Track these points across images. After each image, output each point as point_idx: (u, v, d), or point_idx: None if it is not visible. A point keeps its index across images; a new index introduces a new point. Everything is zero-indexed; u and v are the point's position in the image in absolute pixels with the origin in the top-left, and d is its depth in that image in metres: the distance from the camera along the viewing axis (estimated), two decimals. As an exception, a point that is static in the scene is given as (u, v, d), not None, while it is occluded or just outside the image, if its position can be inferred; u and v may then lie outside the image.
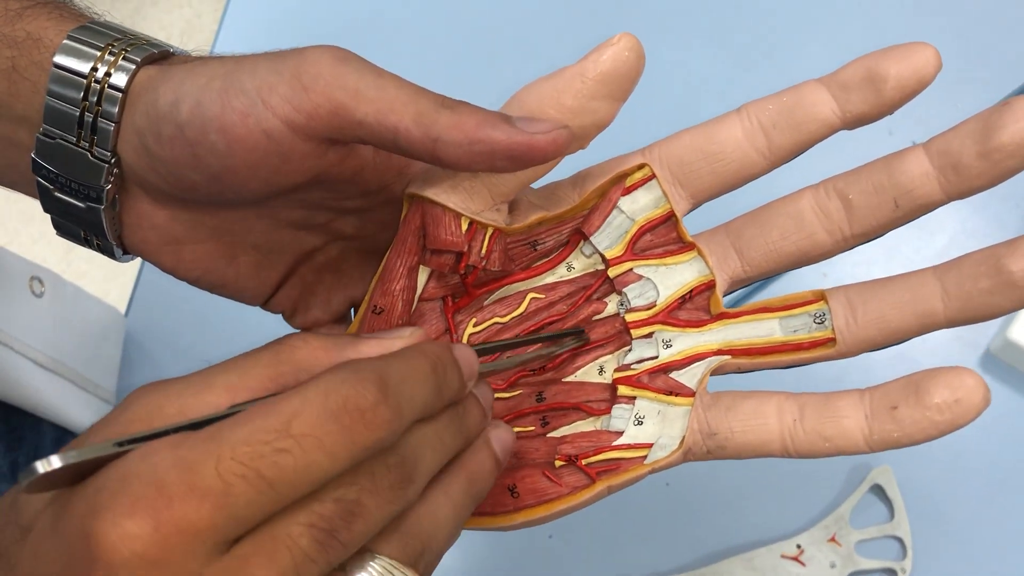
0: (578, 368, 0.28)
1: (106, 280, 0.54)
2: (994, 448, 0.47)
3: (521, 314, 0.28)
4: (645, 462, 0.26)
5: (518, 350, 0.28)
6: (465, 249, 0.26)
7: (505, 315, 0.28)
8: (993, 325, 0.49)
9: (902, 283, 0.26)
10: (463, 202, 0.26)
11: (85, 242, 0.27)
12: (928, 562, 0.45)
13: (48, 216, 0.27)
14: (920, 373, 0.25)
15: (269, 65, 0.24)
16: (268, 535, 0.19)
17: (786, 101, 0.26)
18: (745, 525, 0.46)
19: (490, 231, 0.26)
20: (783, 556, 0.44)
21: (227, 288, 0.28)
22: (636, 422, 0.27)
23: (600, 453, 0.27)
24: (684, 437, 0.26)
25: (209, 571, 0.18)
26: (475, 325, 0.28)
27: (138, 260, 0.30)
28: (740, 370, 0.27)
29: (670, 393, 0.27)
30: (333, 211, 0.28)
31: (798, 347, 0.26)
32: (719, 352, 0.27)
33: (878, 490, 0.46)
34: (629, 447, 0.27)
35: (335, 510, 0.20)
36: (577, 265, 0.28)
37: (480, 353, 0.26)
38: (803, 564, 0.44)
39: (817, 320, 0.27)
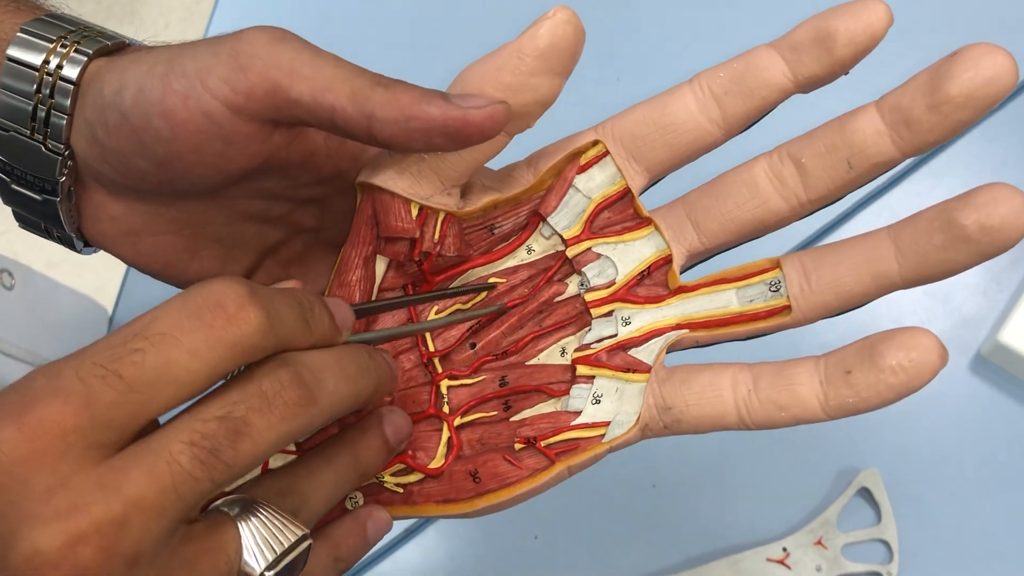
0: (541, 351, 0.28)
1: (107, 269, 0.53)
2: (983, 452, 0.46)
3: (482, 299, 0.28)
4: (603, 441, 0.26)
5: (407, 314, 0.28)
6: (417, 235, 0.26)
7: (467, 301, 0.28)
8: (984, 328, 0.48)
9: (856, 245, 0.25)
10: (411, 187, 0.25)
11: (46, 233, 0.27)
12: (914, 566, 0.44)
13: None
14: (875, 335, 0.25)
15: (208, 48, 0.23)
16: (147, 449, 0.19)
17: (737, 67, 0.26)
18: (731, 528, 0.45)
19: (442, 216, 0.26)
20: (769, 559, 0.44)
21: (192, 283, 0.28)
22: (594, 400, 0.27)
23: (558, 434, 0.26)
24: (640, 414, 0.26)
25: (81, 476, 0.18)
26: (436, 313, 0.28)
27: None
28: (699, 344, 0.27)
29: (627, 370, 0.27)
30: (291, 201, 0.28)
31: (755, 317, 0.26)
32: (678, 327, 0.27)
33: (865, 493, 0.45)
34: (587, 426, 0.26)
35: (218, 428, 0.19)
36: (537, 247, 0.28)
37: (364, 312, 0.26)
38: (789, 567, 0.44)
39: (772, 288, 0.26)
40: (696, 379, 0.26)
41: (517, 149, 0.28)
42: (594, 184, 0.27)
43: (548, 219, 0.27)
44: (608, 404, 0.27)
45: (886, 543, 0.44)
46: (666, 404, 0.26)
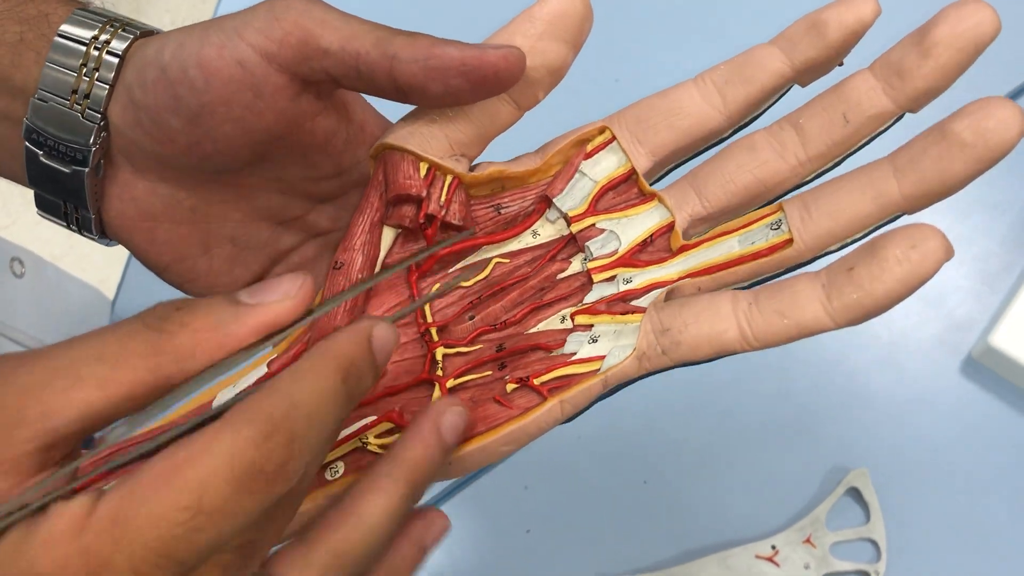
0: (541, 320, 0.28)
1: (108, 265, 0.54)
2: (972, 453, 0.47)
3: (485, 278, 0.28)
4: (599, 372, 0.26)
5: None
6: (424, 195, 0.26)
7: (469, 280, 0.28)
8: (975, 331, 0.49)
9: (855, 172, 0.26)
10: (421, 146, 0.26)
11: (65, 217, 0.28)
12: (902, 565, 0.45)
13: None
14: (877, 235, 0.24)
15: (248, 9, 0.25)
16: None
17: (736, 61, 0.27)
18: (721, 524, 0.46)
19: (449, 179, 0.26)
20: (757, 556, 0.44)
21: (198, 282, 0.28)
22: (591, 340, 0.26)
23: (552, 371, 0.26)
24: (637, 341, 0.25)
25: None
26: (439, 291, 0.28)
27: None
28: (700, 289, 0.27)
29: (626, 313, 0.26)
30: (308, 199, 0.29)
31: (756, 255, 0.26)
32: (679, 280, 0.27)
33: (854, 493, 0.46)
34: (582, 361, 0.26)
35: (234, 558, 0.19)
36: (543, 232, 0.28)
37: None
38: (777, 565, 0.44)
39: (774, 227, 0.26)
40: (696, 301, 0.26)
41: (525, 145, 0.28)
42: (600, 168, 0.28)
43: (554, 200, 0.28)
44: (605, 342, 0.26)
45: (874, 542, 0.45)
46: (664, 326, 0.25)
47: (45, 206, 0.28)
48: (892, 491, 0.46)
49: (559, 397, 0.25)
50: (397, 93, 0.25)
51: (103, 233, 0.28)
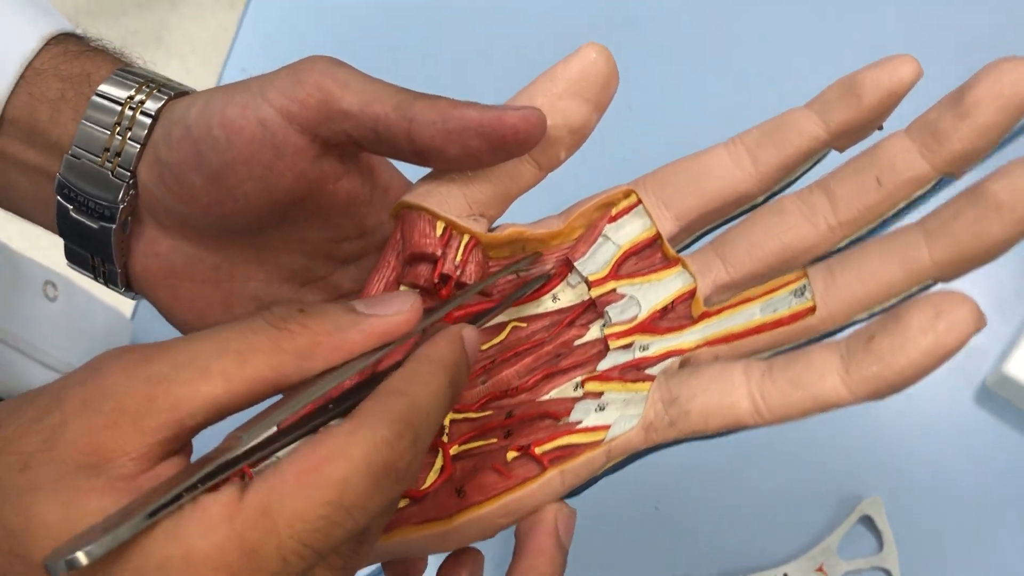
0: (554, 387, 0.27)
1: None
2: (986, 482, 0.46)
3: (500, 342, 0.28)
4: (603, 443, 0.24)
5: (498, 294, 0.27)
6: (439, 254, 0.26)
7: (484, 343, 0.28)
8: (989, 359, 0.49)
9: (883, 238, 0.24)
10: (438, 205, 0.26)
11: (92, 270, 0.29)
12: (915, 595, 0.44)
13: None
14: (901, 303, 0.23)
15: (273, 72, 0.25)
16: None
17: (770, 123, 0.26)
18: (732, 553, 0.46)
19: (466, 239, 0.26)
20: (770, 583, 0.44)
21: None
22: (598, 408, 0.25)
23: (555, 439, 0.25)
24: (644, 411, 0.24)
25: None
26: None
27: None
28: (718, 358, 0.26)
29: (637, 381, 0.25)
30: (332, 261, 0.29)
31: (778, 323, 0.25)
32: (697, 348, 0.26)
33: (867, 521, 0.46)
34: (586, 430, 0.25)
35: (349, 548, 0.20)
36: (563, 297, 0.28)
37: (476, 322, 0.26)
38: (789, 592, 0.44)
39: (797, 294, 0.25)
40: (707, 369, 0.24)
41: (550, 205, 0.28)
42: (624, 232, 0.27)
43: (576, 263, 0.27)
44: (612, 411, 0.25)
45: (887, 572, 0.45)
46: (672, 396, 0.24)
47: (74, 258, 0.29)
48: (905, 520, 0.45)
49: (559, 468, 0.24)
50: (417, 156, 0.25)
51: (128, 287, 0.29)
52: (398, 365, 0.22)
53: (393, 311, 0.22)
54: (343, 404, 0.22)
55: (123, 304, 0.51)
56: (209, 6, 1.27)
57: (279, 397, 0.21)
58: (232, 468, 0.20)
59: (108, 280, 0.29)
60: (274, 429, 0.21)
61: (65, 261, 0.29)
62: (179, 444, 0.20)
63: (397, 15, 0.59)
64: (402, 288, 0.27)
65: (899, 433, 0.48)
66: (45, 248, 0.56)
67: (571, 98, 0.25)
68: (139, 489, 0.19)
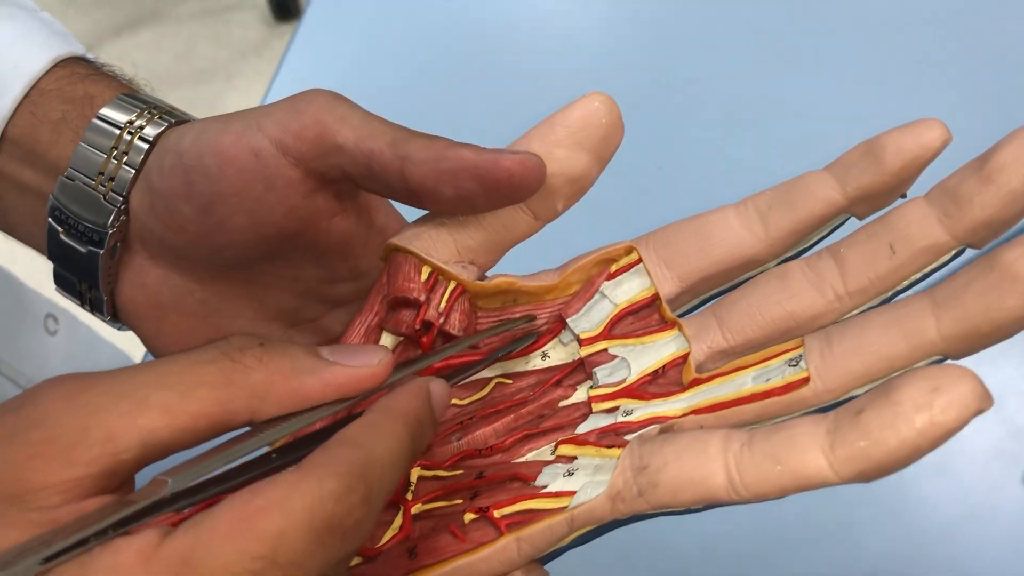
0: (532, 449, 0.25)
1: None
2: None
3: (483, 397, 0.26)
4: (566, 510, 0.22)
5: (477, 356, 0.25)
6: (423, 299, 0.24)
7: (464, 398, 0.26)
8: (1038, 440, 0.45)
9: (888, 307, 0.22)
10: (425, 248, 0.25)
11: (79, 296, 0.28)
12: None
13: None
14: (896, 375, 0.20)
15: (274, 103, 0.25)
16: None
17: (784, 186, 0.24)
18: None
19: (452, 286, 0.25)
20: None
21: None
22: (567, 474, 0.23)
23: (516, 503, 0.23)
24: (612, 478, 0.22)
25: None
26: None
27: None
28: (702, 427, 0.23)
29: (613, 447, 0.23)
30: (323, 302, 0.28)
31: (768, 394, 0.22)
32: (683, 416, 0.24)
33: (902, 611, 0.42)
34: (550, 495, 0.23)
35: None
36: (554, 355, 0.26)
37: (449, 378, 0.24)
38: None
39: (792, 363, 0.23)
40: (681, 437, 0.22)
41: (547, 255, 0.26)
42: (622, 290, 0.26)
43: (568, 320, 0.26)
44: (581, 476, 0.23)
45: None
46: (643, 463, 0.22)
47: (62, 283, 0.28)
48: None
49: (516, 534, 0.22)
50: (410, 195, 0.24)
51: (115, 316, 0.28)
52: (355, 417, 0.21)
53: (359, 363, 0.21)
54: (288, 456, 0.20)
55: (124, 341, 0.50)
56: (263, 79, 1.31)
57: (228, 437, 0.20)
58: (152, 515, 0.18)
59: (94, 307, 0.28)
60: (207, 476, 0.19)
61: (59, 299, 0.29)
62: (115, 482, 0.18)
63: (429, 87, 0.58)
64: (384, 334, 0.26)
65: (938, 516, 0.45)
66: (49, 279, 0.56)
67: (570, 147, 0.24)
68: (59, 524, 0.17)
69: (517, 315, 0.26)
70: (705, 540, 0.45)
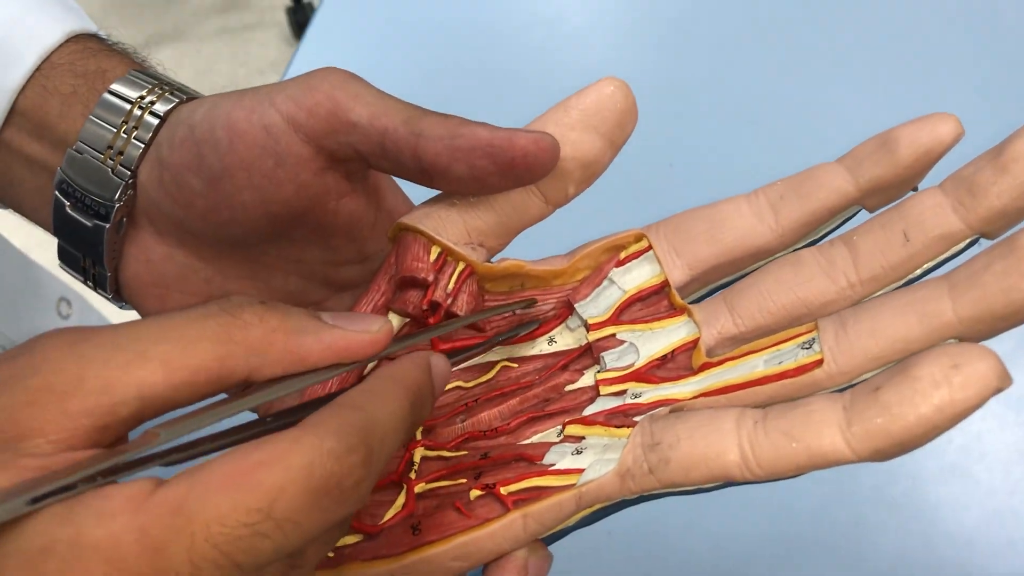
0: (537, 432, 0.25)
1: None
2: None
3: (488, 380, 0.26)
4: (574, 487, 0.22)
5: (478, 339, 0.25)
6: (431, 280, 0.24)
7: (469, 380, 0.26)
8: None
9: (905, 289, 0.22)
10: (435, 228, 0.24)
11: (83, 272, 0.28)
12: None
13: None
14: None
15: (288, 79, 0.25)
16: None
17: (796, 177, 0.24)
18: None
19: (461, 267, 0.25)
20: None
21: None
22: (575, 452, 0.23)
23: (523, 480, 0.23)
24: (622, 454, 0.22)
25: None
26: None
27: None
28: (712, 408, 0.23)
29: (622, 427, 0.23)
30: (328, 285, 0.28)
31: (781, 376, 0.22)
32: (693, 400, 0.23)
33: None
34: (558, 473, 0.23)
35: (277, 571, 0.18)
36: (560, 340, 0.26)
37: (451, 358, 0.24)
38: None
39: (805, 346, 0.22)
40: (695, 414, 0.22)
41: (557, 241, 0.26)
42: (630, 277, 0.26)
43: (576, 305, 0.26)
44: (590, 455, 0.23)
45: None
46: (655, 440, 0.21)
47: (66, 258, 0.28)
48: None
49: (523, 511, 0.22)
50: (422, 174, 0.23)
51: (117, 293, 0.28)
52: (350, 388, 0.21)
53: (360, 328, 0.21)
54: (284, 419, 0.20)
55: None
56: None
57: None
58: (142, 467, 0.17)
59: (97, 284, 0.28)
60: (200, 432, 0.19)
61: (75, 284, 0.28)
62: (111, 435, 0.18)
63: (440, 90, 0.59)
64: (391, 315, 0.25)
65: (955, 520, 0.44)
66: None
67: (584, 130, 0.24)
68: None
69: (518, 299, 0.26)
70: (716, 540, 0.44)
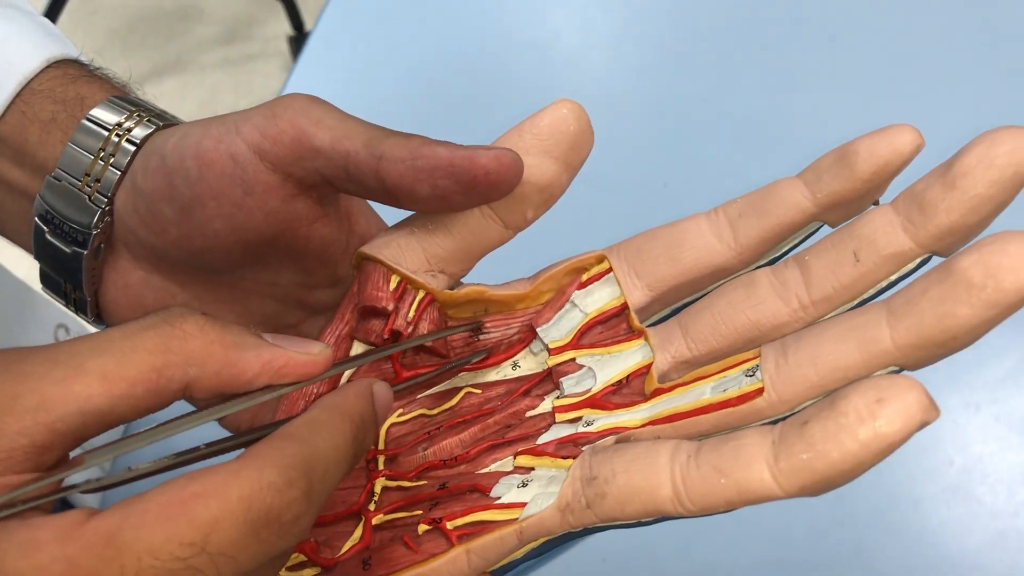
0: (496, 460, 0.25)
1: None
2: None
3: (451, 407, 0.26)
4: (517, 520, 0.22)
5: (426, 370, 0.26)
6: (391, 309, 0.24)
7: (433, 408, 0.26)
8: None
9: (845, 315, 0.22)
10: (394, 257, 0.25)
11: (64, 296, 0.28)
12: None
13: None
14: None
15: (254, 107, 0.25)
16: None
17: (755, 194, 0.24)
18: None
19: (421, 295, 0.25)
20: None
21: None
22: (521, 485, 0.23)
23: (468, 514, 0.23)
24: (562, 488, 0.22)
25: None
26: (400, 415, 0.26)
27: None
28: (659, 439, 0.23)
29: (567, 457, 0.23)
30: (304, 308, 0.28)
31: (724, 404, 0.22)
32: (642, 427, 0.23)
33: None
34: (502, 507, 0.23)
35: None
36: (524, 364, 0.26)
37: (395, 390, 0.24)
38: None
39: (748, 374, 0.22)
40: (631, 447, 0.22)
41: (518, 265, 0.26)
42: (592, 300, 0.26)
43: (539, 330, 0.26)
44: (534, 488, 0.23)
45: None
46: (592, 473, 0.22)
47: (48, 282, 0.28)
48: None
49: (466, 546, 0.22)
50: (387, 195, 0.24)
51: (99, 318, 0.28)
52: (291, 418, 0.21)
53: (300, 350, 0.21)
54: (219, 446, 0.20)
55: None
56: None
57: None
58: (64, 493, 0.17)
59: (78, 309, 0.28)
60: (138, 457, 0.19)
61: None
62: (52, 455, 0.18)
63: (432, 114, 0.59)
64: (355, 343, 0.26)
65: (957, 544, 0.43)
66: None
67: (538, 154, 0.24)
68: None
69: (469, 324, 0.26)
70: (713, 567, 0.44)
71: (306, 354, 0.21)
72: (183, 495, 0.17)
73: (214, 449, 0.20)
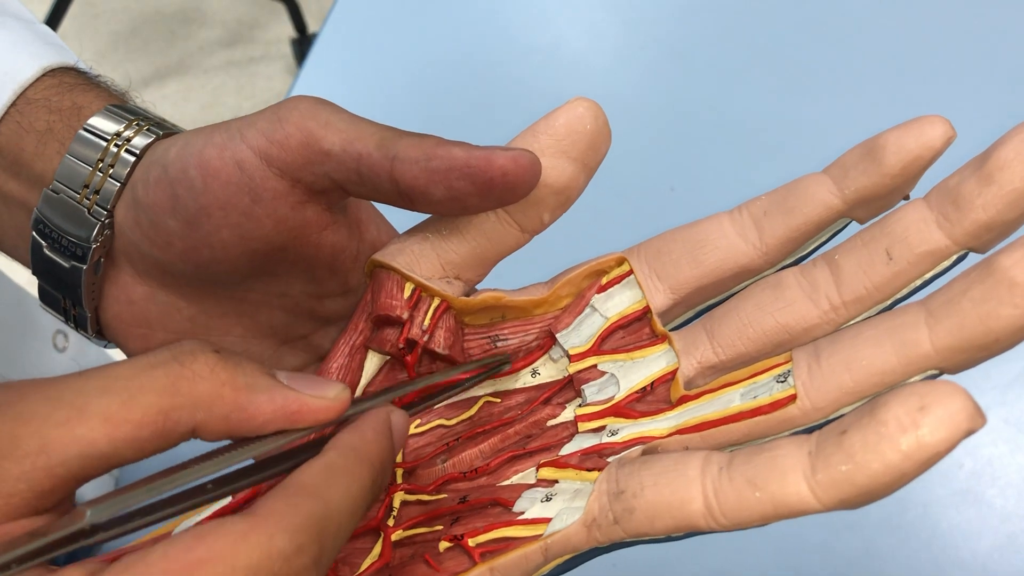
0: (518, 471, 0.24)
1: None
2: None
3: (470, 417, 0.25)
4: (542, 537, 0.21)
5: (443, 383, 0.25)
6: (405, 317, 0.24)
7: (452, 418, 0.25)
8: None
9: (880, 317, 0.21)
10: (408, 264, 0.24)
11: (64, 312, 0.27)
12: None
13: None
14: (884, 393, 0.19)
15: (258, 112, 0.24)
16: None
17: (780, 191, 0.23)
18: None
19: (436, 303, 0.24)
20: None
21: None
22: (544, 499, 0.22)
23: (491, 531, 0.22)
24: (588, 503, 0.21)
25: None
26: (417, 426, 0.25)
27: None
28: (687, 449, 0.22)
29: (593, 470, 0.22)
30: (314, 319, 0.27)
31: (755, 412, 0.21)
32: (669, 436, 0.22)
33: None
34: (526, 523, 0.22)
35: None
36: (544, 372, 0.25)
37: (410, 409, 0.24)
38: None
39: (780, 380, 0.21)
40: (660, 459, 0.21)
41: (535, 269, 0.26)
42: (612, 303, 0.25)
43: (558, 336, 0.25)
44: (559, 502, 0.22)
45: None
46: (619, 487, 0.20)
47: (46, 299, 0.27)
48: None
49: (489, 564, 0.21)
50: (401, 198, 0.23)
51: (99, 333, 0.27)
52: (306, 448, 0.20)
53: (315, 393, 0.20)
54: (223, 488, 0.19)
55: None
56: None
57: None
58: (65, 548, 0.16)
59: (78, 325, 0.27)
60: (130, 508, 0.17)
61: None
62: (54, 499, 0.17)
63: (438, 119, 0.59)
64: (369, 353, 0.25)
65: (967, 547, 0.43)
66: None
67: (554, 156, 0.23)
68: None
69: (492, 356, 0.25)
70: (722, 573, 0.43)
71: (321, 398, 0.20)
72: (188, 560, 0.16)
73: (221, 491, 0.19)
